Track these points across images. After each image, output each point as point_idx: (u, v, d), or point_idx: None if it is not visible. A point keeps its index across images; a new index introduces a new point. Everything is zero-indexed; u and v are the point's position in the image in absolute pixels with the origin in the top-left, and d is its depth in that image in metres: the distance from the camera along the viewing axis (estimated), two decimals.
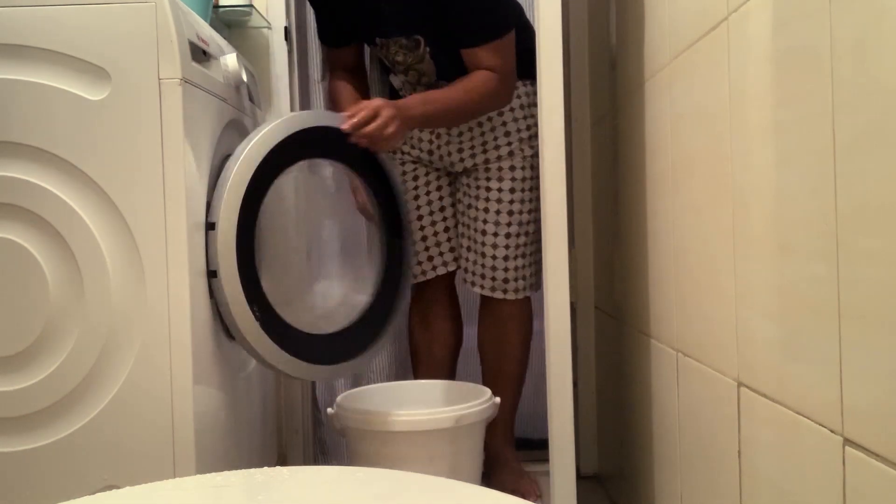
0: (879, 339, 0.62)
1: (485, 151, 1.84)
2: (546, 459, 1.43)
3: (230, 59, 1.45)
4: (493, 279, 1.84)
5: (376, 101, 1.56)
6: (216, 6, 1.82)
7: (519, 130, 1.84)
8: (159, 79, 1.19)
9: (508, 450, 1.88)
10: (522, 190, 1.83)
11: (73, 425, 1.19)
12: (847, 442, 0.68)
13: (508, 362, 1.88)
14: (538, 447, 1.89)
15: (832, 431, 0.70)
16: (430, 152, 1.91)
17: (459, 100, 1.69)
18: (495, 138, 1.84)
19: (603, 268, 1.91)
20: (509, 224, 1.83)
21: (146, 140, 1.19)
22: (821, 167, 0.71)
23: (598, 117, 1.93)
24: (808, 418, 0.75)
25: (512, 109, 1.84)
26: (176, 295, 1.19)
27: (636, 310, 1.50)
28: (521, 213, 1.83)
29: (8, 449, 1.19)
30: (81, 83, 1.19)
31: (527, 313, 1.89)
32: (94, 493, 0.88)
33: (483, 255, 1.85)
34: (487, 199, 1.84)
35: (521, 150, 1.83)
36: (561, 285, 1.40)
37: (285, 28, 1.94)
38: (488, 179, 1.84)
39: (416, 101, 1.65)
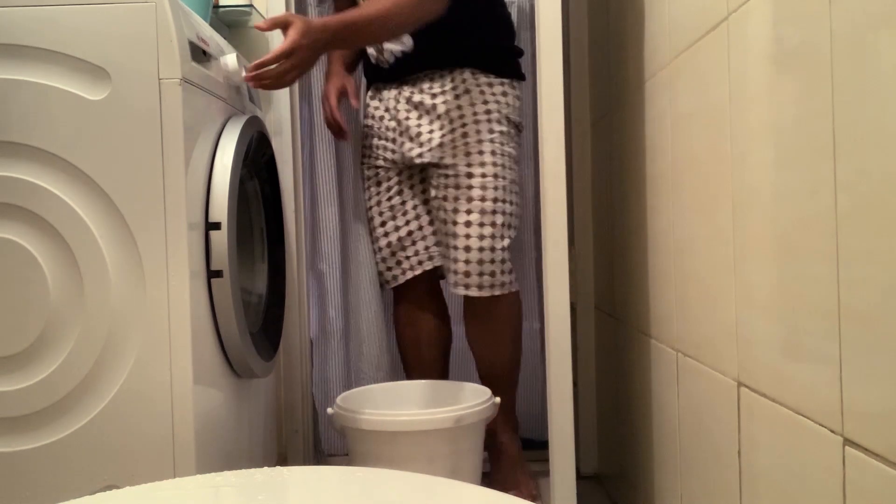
0: (879, 339, 0.62)
1: (454, 147, 1.80)
2: (546, 459, 1.43)
3: (230, 59, 1.45)
4: (467, 275, 1.78)
5: (290, 39, 1.43)
6: (216, 6, 1.82)
7: (490, 121, 1.79)
8: (159, 79, 1.19)
9: (507, 437, 1.86)
10: (496, 188, 1.78)
11: (73, 425, 1.19)
12: (847, 442, 0.68)
13: (499, 359, 1.86)
14: (538, 447, 1.89)
15: (832, 431, 0.70)
16: (394, 150, 1.88)
17: (378, 10, 1.59)
18: (464, 125, 1.80)
19: (603, 268, 1.91)
20: (481, 224, 1.78)
21: (146, 140, 1.19)
22: (821, 167, 0.71)
23: (598, 117, 1.93)
24: (808, 418, 0.75)
25: (486, 102, 1.81)
26: (176, 295, 1.19)
27: (636, 310, 1.50)
28: (493, 212, 1.78)
29: (8, 449, 1.19)
30: (81, 83, 1.19)
31: (513, 308, 1.85)
32: (94, 493, 0.88)
33: (456, 250, 1.79)
34: (457, 199, 1.80)
35: (492, 141, 1.79)
36: (561, 285, 1.40)
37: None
38: (457, 176, 1.80)
39: (331, 22, 1.54)
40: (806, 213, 0.75)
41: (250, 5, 1.88)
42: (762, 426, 0.87)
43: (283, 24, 1.45)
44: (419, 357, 1.96)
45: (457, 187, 1.80)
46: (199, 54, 1.30)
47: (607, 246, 1.84)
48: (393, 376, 2.06)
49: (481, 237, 1.77)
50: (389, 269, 1.93)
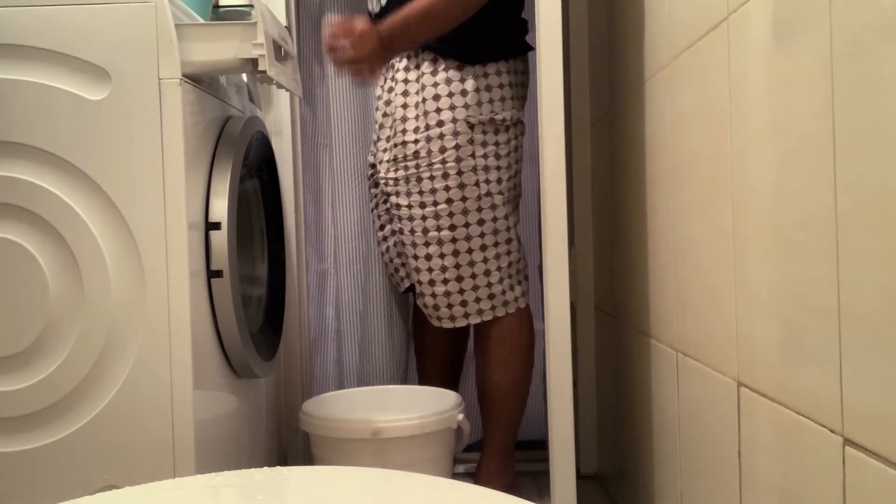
0: (879, 339, 0.62)
1: (398, 170, 1.65)
2: (546, 459, 1.43)
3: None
4: (436, 308, 1.65)
5: (360, 28, 1.44)
6: (216, 6, 1.82)
7: (442, 136, 1.60)
8: (159, 79, 1.19)
9: (487, 475, 1.71)
10: (451, 215, 1.62)
11: (73, 425, 1.19)
12: (847, 442, 0.68)
13: (489, 384, 1.70)
14: (538, 447, 1.88)
15: (832, 431, 0.70)
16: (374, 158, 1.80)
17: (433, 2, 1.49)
18: (416, 140, 1.61)
19: (603, 268, 1.91)
20: (441, 256, 1.60)
21: (146, 140, 1.19)
22: (821, 167, 0.71)
23: (598, 117, 1.93)
24: (808, 418, 0.75)
25: (437, 106, 1.60)
26: (176, 295, 1.19)
27: (636, 310, 1.50)
28: (453, 240, 1.64)
29: (8, 449, 1.19)
30: (81, 83, 1.19)
31: (509, 332, 1.68)
32: (94, 493, 0.88)
33: (421, 284, 1.66)
34: (413, 232, 1.66)
35: (444, 161, 1.60)
36: (561, 285, 1.40)
37: (285, 28, 1.94)
38: (409, 207, 1.64)
39: (393, 25, 1.49)
40: (806, 212, 0.75)
41: (250, 5, 1.88)
42: (762, 426, 0.87)
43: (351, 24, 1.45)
44: (420, 369, 1.92)
45: (410, 219, 1.65)
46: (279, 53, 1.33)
47: (607, 246, 1.84)
48: (404, 378, 2.05)
49: (443, 269, 1.64)
50: (392, 274, 1.88)
